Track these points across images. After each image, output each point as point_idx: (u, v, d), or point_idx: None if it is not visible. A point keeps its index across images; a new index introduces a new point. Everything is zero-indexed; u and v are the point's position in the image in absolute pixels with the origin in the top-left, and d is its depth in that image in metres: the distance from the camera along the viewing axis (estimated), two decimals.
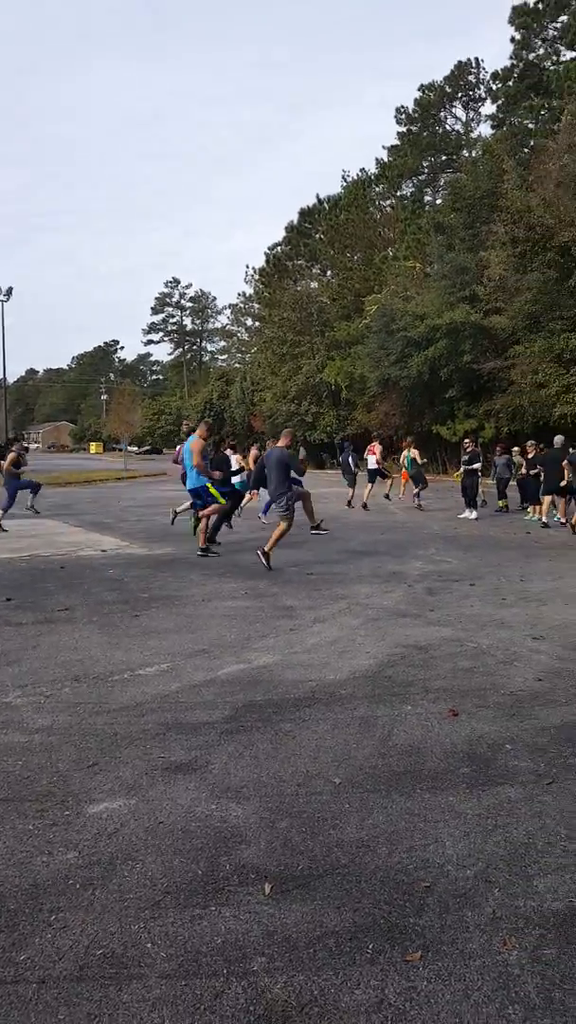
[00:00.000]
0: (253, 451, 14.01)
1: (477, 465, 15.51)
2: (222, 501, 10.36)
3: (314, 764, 3.69)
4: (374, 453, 17.56)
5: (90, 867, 2.82)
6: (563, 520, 13.78)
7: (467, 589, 7.91)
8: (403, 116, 44.43)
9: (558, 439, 14.15)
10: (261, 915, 2.53)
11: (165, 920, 2.51)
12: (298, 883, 2.72)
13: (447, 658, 5.43)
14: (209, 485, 10.08)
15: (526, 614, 6.81)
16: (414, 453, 17.91)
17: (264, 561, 9.02)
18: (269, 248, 51.76)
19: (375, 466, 17.39)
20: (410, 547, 10.93)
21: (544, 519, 13.71)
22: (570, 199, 21.69)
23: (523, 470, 15.47)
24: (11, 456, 14.84)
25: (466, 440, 17.50)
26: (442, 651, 5.60)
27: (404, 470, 19.25)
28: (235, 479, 12.49)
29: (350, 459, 17.95)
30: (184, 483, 10.76)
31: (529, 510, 15.21)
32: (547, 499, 13.89)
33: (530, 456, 14.97)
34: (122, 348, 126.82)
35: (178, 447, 13.40)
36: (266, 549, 9.11)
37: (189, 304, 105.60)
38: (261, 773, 3.60)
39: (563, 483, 13.17)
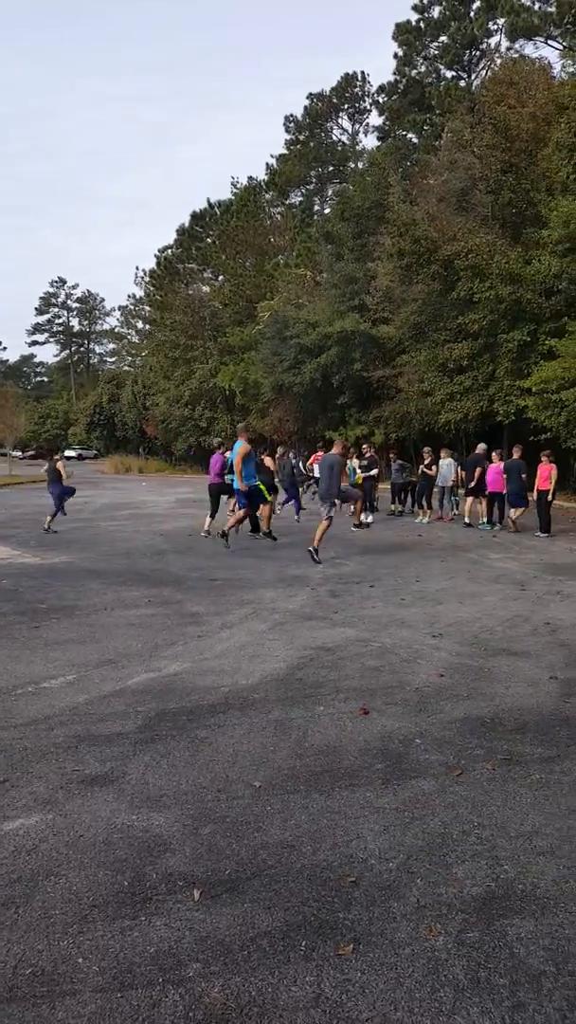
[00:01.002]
0: (267, 459, 14.13)
1: (374, 471, 16.02)
2: (268, 498, 11.70)
3: (233, 769, 3.72)
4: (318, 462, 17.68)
5: (11, 885, 2.74)
6: (467, 520, 14.84)
7: (368, 591, 8.14)
8: (292, 124, 45.19)
9: (480, 446, 15.25)
10: (192, 921, 2.54)
11: (94, 934, 2.47)
12: (227, 887, 2.74)
13: (354, 658, 5.59)
14: (260, 484, 11.34)
15: (424, 613, 7.09)
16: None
17: (314, 556, 9.91)
18: (160, 250, 51.21)
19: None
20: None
21: (467, 519, 14.81)
22: (451, 214, 22.75)
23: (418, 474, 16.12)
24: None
25: (364, 446, 17.97)
26: (349, 652, 5.76)
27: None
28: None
29: (293, 469, 17.82)
30: None
31: (418, 513, 15.83)
32: (469, 501, 14.73)
33: (426, 462, 15.55)
34: (4, 349, 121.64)
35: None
36: (315, 545, 10.02)
37: (76, 305, 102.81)
38: (180, 781, 3.59)
39: (472, 485, 14.52)
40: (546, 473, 13.03)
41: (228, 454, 12.25)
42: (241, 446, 11.13)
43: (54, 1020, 2.11)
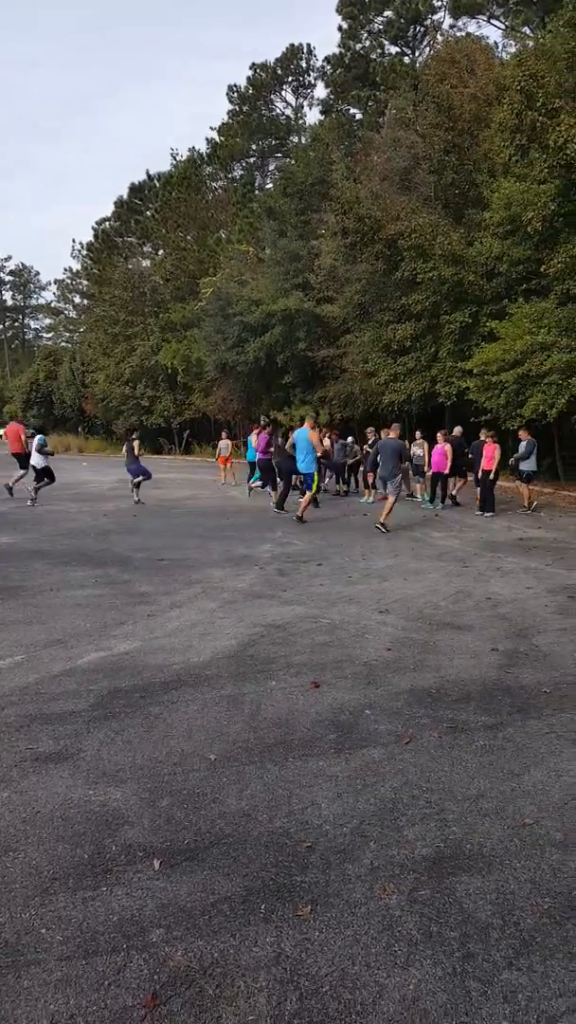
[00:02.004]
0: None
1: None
2: (315, 487, 12.67)
3: (188, 743, 3.77)
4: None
5: None
6: (453, 494, 15.24)
7: (315, 569, 8.25)
8: (235, 95, 44.44)
9: (457, 429, 15.66)
10: (154, 890, 2.60)
11: (56, 905, 2.51)
12: (186, 856, 2.80)
13: (304, 634, 5.69)
14: (316, 472, 12.49)
15: (371, 590, 7.24)
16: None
17: (384, 530, 11.01)
18: (97, 223, 49.97)
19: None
20: (257, 531, 11.18)
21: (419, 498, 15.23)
22: (395, 193, 22.78)
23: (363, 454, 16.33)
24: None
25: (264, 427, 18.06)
26: (299, 628, 5.86)
27: (222, 455, 19.75)
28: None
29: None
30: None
31: (364, 492, 16.04)
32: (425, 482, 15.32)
33: (369, 441, 15.73)
34: None
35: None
36: (382, 520, 11.17)
37: (9, 278, 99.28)
38: (136, 756, 3.62)
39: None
40: (490, 453, 13.34)
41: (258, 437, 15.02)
42: (309, 433, 12.36)
43: (20, 989, 2.14)
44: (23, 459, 15.75)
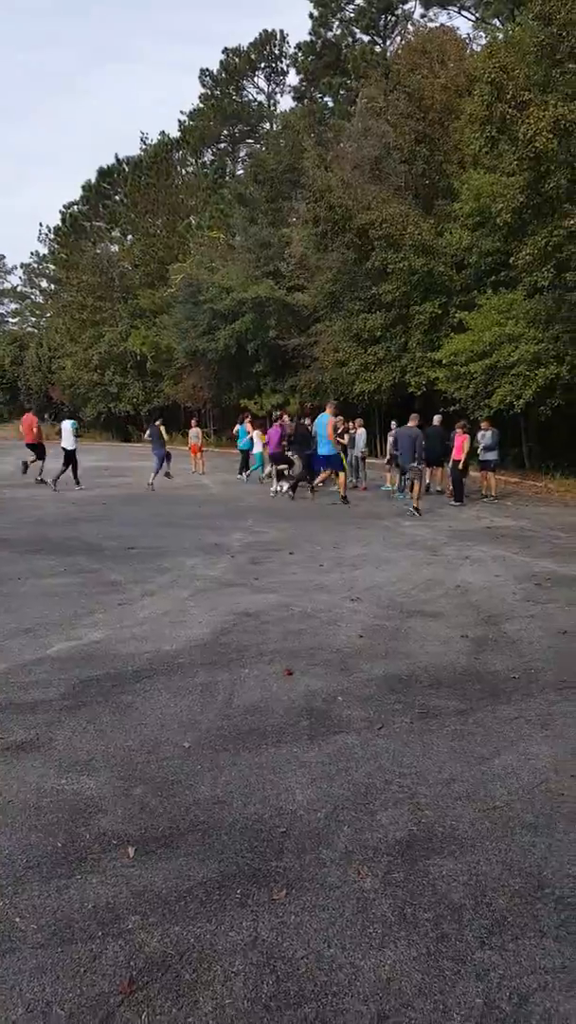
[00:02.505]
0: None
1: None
2: (345, 468, 13.48)
3: (161, 731, 3.76)
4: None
5: None
6: (439, 488, 15.36)
7: (287, 558, 8.26)
8: (208, 78, 43.91)
9: (436, 418, 15.56)
10: (129, 877, 2.59)
11: (31, 894, 2.49)
12: (161, 843, 2.80)
13: (277, 622, 5.70)
14: (342, 454, 13.39)
15: (343, 578, 7.28)
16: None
17: (417, 513, 11.78)
18: (65, 207, 49.09)
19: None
20: (229, 519, 11.15)
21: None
22: (366, 182, 22.76)
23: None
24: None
25: (283, 415, 18.09)
26: (271, 616, 5.86)
27: (193, 443, 19.70)
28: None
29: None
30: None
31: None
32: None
33: (339, 431, 15.76)
34: None
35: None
36: (415, 504, 12.01)
37: None
38: (108, 745, 3.60)
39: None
40: (460, 443, 13.46)
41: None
42: (329, 418, 13.20)
43: None
44: (37, 448, 16.43)
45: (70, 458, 14.99)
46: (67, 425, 15.30)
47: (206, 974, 2.17)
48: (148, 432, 16.95)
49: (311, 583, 7.04)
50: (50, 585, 6.85)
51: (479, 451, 14.32)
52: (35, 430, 16.65)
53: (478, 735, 3.78)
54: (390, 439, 15.63)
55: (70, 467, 15.04)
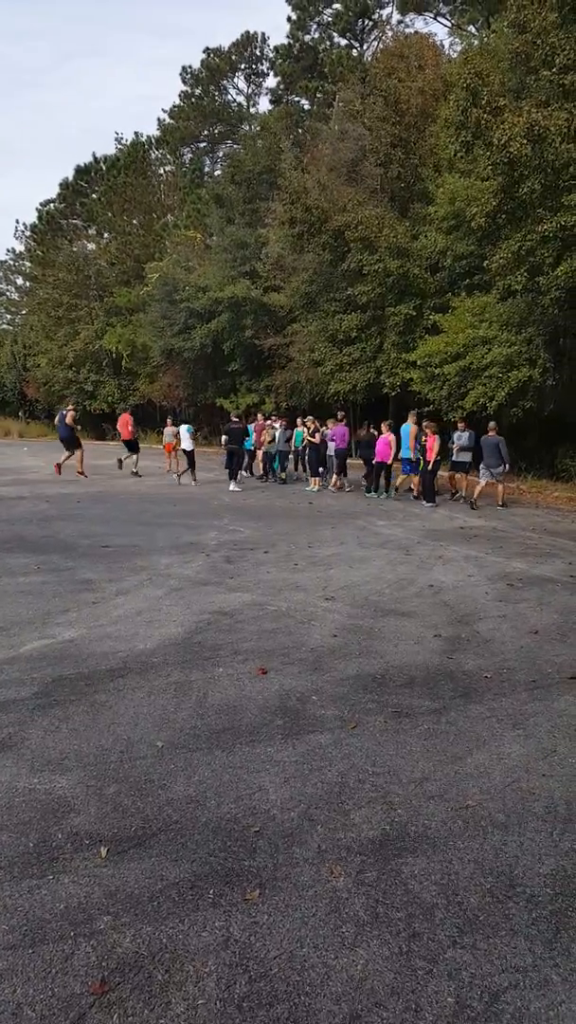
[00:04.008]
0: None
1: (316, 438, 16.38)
2: (425, 472, 14.12)
3: (135, 731, 3.73)
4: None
5: None
6: (454, 491, 15.32)
7: (262, 556, 8.25)
8: (189, 76, 43.71)
9: (412, 417, 15.57)
10: (101, 877, 2.57)
11: (2, 894, 2.47)
12: (134, 843, 2.78)
13: (251, 621, 5.69)
14: (420, 460, 14.19)
15: (317, 577, 7.28)
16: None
17: (472, 506, 13.22)
18: (41, 204, 48.51)
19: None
20: (203, 518, 11.11)
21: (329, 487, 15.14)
22: (342, 184, 22.82)
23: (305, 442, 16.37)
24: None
25: (258, 415, 18.12)
26: (246, 615, 5.85)
27: (168, 442, 19.67)
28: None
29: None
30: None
31: (311, 482, 16.10)
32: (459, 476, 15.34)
33: (310, 431, 15.80)
34: None
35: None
36: (474, 499, 13.42)
37: None
38: (81, 744, 3.57)
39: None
40: (431, 444, 13.54)
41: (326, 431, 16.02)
42: (412, 427, 14.56)
43: None
44: (132, 444, 18.63)
45: (191, 457, 16.51)
46: (184, 429, 16.82)
47: (178, 974, 2.16)
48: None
49: (286, 582, 7.04)
50: (24, 583, 6.77)
51: (455, 452, 14.42)
52: (130, 428, 18.55)
53: (451, 734, 3.81)
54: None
55: (189, 465, 16.60)
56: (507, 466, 13.64)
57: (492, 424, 13.82)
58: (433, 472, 13.76)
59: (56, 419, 18.43)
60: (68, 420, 17.22)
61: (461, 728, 3.88)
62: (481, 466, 13.84)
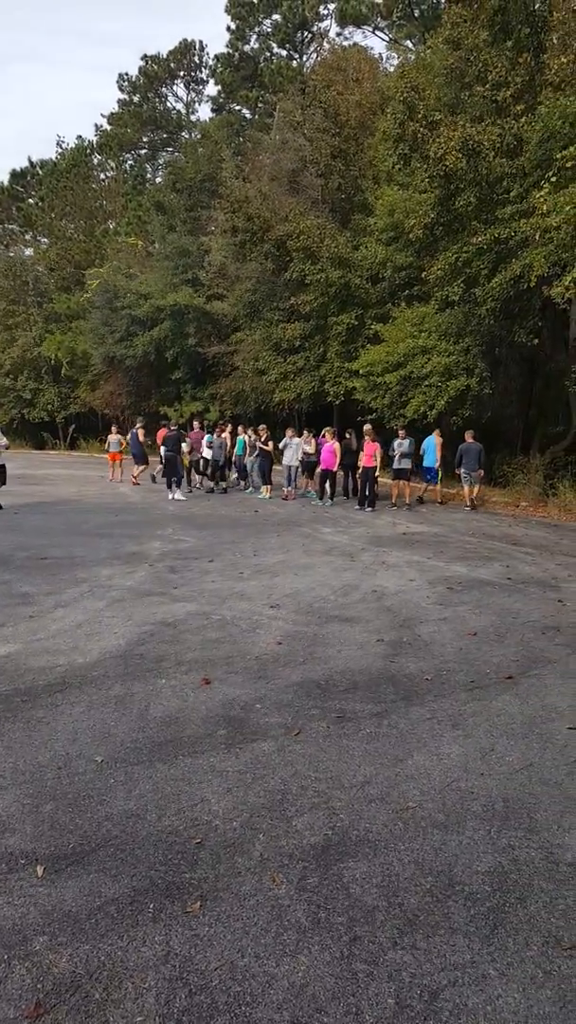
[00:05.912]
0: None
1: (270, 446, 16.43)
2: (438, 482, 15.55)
3: (73, 746, 3.66)
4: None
5: None
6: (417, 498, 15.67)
7: (207, 566, 8.21)
8: (126, 83, 43.48)
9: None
10: (37, 896, 2.51)
11: None
12: (71, 860, 2.72)
13: (195, 631, 5.65)
14: (439, 469, 15.36)
15: (262, 585, 7.28)
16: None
17: (473, 509, 14.18)
18: None
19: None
20: (147, 528, 10.99)
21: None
22: (283, 194, 22.98)
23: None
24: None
25: (262, 426, 18.02)
26: (190, 625, 5.81)
27: (114, 451, 19.43)
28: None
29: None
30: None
31: (263, 490, 16.10)
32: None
33: (262, 439, 15.82)
34: None
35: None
36: (474, 499, 14.43)
37: None
38: (17, 761, 3.48)
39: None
40: (371, 451, 13.72)
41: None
42: (436, 440, 15.31)
43: None
44: (140, 455, 18.69)
45: (214, 467, 17.22)
46: (205, 438, 17.60)
47: (116, 992, 2.12)
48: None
49: (231, 591, 7.02)
50: None
51: (396, 459, 14.61)
52: (141, 439, 18.75)
53: (392, 737, 3.85)
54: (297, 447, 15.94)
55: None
56: (482, 471, 14.55)
57: (470, 432, 14.57)
58: (374, 479, 13.93)
59: (128, 436, 19.60)
60: (140, 437, 18.29)
61: (402, 730, 3.92)
62: (462, 471, 14.51)
